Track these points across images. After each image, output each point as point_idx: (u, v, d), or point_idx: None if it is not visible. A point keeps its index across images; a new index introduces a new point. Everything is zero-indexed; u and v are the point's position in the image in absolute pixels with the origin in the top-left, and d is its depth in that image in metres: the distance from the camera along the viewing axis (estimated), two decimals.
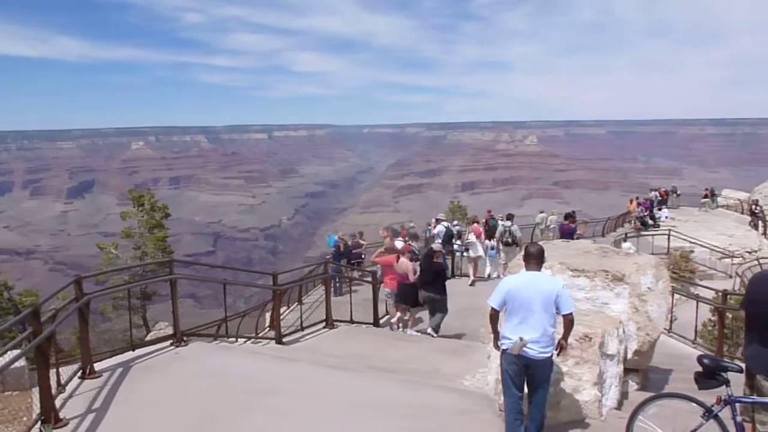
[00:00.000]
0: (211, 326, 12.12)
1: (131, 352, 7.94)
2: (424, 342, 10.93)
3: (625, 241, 23.20)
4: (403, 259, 12.04)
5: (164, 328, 15.97)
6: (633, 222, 28.65)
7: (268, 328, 12.04)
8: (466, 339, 11.29)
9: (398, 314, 12.26)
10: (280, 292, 10.82)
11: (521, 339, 5.18)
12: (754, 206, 33.98)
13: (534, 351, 5.23)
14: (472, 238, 18.07)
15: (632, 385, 7.68)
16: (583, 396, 6.12)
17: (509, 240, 17.86)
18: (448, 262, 18.63)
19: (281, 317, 11.74)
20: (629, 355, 7.36)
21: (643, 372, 8.01)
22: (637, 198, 33.21)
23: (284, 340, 10.26)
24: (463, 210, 33.57)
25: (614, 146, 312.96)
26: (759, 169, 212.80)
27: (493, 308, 5.49)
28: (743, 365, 4.64)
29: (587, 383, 6.14)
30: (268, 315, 12.74)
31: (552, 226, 24.86)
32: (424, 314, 12.45)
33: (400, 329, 12.25)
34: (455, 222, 24.47)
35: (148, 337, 14.78)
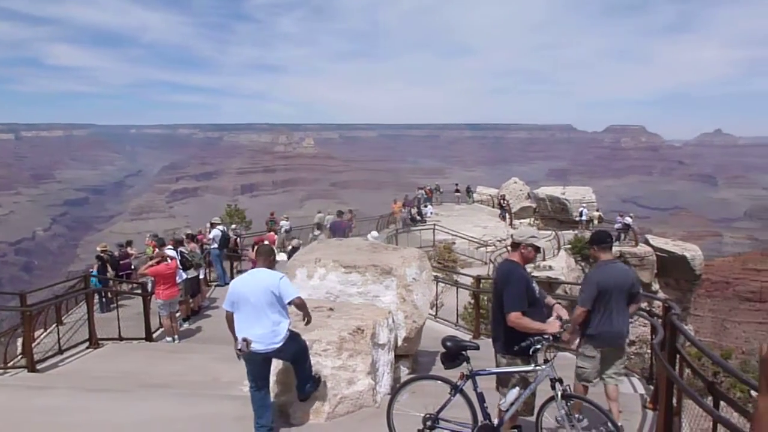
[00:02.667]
0: None
1: None
2: (203, 352, 10.51)
3: (398, 234, 24.76)
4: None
5: None
6: (402, 221, 30.43)
7: (20, 356, 10.59)
8: None
9: (170, 324, 11.67)
10: (31, 313, 9.56)
11: (245, 340, 5.43)
12: (502, 200, 38.64)
13: (262, 345, 5.47)
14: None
15: (404, 370, 8.20)
16: (358, 386, 6.37)
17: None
18: (226, 267, 18.27)
19: (37, 341, 10.44)
20: (399, 343, 7.84)
21: (412, 357, 8.60)
22: (407, 197, 35.57)
23: (38, 367, 9.11)
24: (242, 213, 32.89)
25: (386, 148, 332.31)
26: (506, 167, 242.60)
27: (227, 311, 5.63)
28: (478, 343, 5.22)
29: (361, 374, 6.40)
30: (20, 341, 11.20)
31: (329, 225, 25.56)
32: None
33: (175, 341, 11.67)
34: (234, 226, 23.95)
35: None
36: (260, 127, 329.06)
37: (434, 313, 13.60)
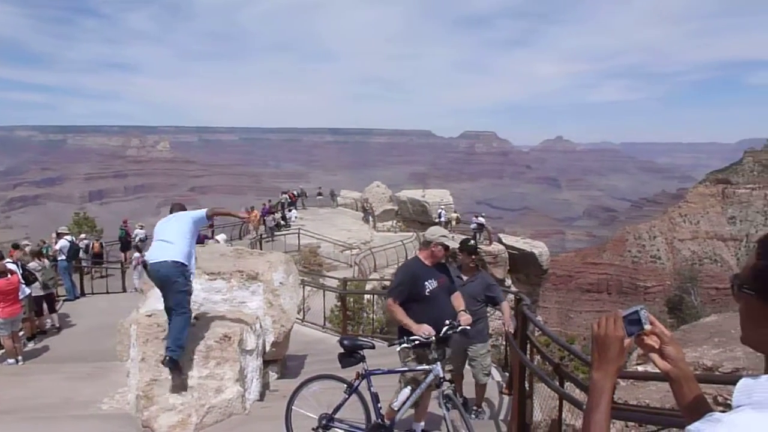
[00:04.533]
0: None
1: None
2: (53, 372, 9.72)
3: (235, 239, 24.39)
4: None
5: None
6: (267, 230, 29.23)
7: None
8: (104, 360, 10.42)
9: (12, 345, 10.66)
10: None
11: (144, 262, 6.51)
12: (365, 204, 39.40)
13: (159, 257, 6.18)
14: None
15: (273, 375, 8.18)
16: (227, 394, 6.26)
17: None
18: (76, 279, 17.02)
19: None
20: (268, 348, 7.81)
21: (281, 361, 8.59)
22: (269, 201, 34.94)
23: None
24: (91, 222, 30.68)
25: (246, 152, 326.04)
26: (369, 171, 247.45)
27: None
28: (374, 342, 5.31)
29: (230, 381, 6.30)
30: None
31: None
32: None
33: (19, 362, 10.69)
34: (83, 236, 22.33)
35: None
36: (110, 129, 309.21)
37: (301, 317, 13.63)
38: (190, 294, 6.37)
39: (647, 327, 1.47)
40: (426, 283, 5.05)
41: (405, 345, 4.74)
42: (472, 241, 6.25)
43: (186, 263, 6.23)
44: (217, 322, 6.89)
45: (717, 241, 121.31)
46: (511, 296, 8.84)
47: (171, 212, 6.88)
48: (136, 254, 19.57)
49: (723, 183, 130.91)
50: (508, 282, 31.51)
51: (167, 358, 5.98)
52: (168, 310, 6.26)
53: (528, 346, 5.70)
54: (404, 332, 4.89)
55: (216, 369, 6.26)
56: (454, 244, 5.26)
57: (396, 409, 4.83)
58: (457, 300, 5.32)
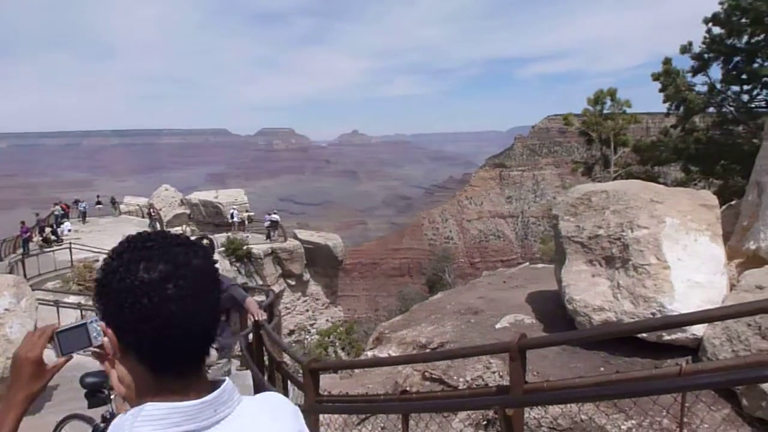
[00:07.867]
0: None
1: None
2: None
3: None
4: None
5: None
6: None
7: None
8: None
9: None
10: None
11: None
12: (150, 210, 37.06)
13: None
14: None
15: None
16: None
17: None
18: None
19: None
20: None
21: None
22: (37, 215, 31.32)
23: None
24: None
25: (18, 161, 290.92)
26: (162, 174, 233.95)
27: None
28: None
29: None
30: None
31: None
32: None
33: None
34: None
35: None
36: None
37: None
38: None
39: (98, 341, 1.14)
40: None
41: None
42: (205, 240, 5.87)
43: None
44: None
45: (498, 219, 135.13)
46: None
47: None
48: None
49: (500, 167, 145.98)
50: (307, 276, 31.80)
51: None
52: None
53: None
54: None
55: None
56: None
57: None
58: None
